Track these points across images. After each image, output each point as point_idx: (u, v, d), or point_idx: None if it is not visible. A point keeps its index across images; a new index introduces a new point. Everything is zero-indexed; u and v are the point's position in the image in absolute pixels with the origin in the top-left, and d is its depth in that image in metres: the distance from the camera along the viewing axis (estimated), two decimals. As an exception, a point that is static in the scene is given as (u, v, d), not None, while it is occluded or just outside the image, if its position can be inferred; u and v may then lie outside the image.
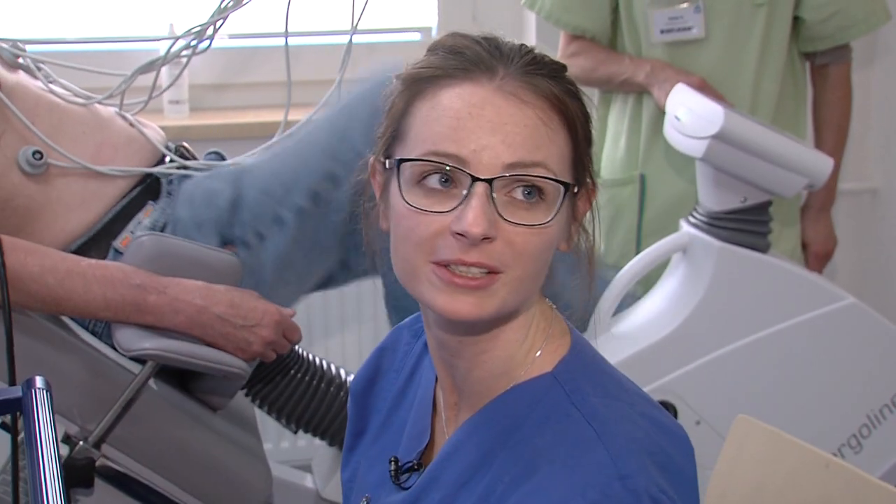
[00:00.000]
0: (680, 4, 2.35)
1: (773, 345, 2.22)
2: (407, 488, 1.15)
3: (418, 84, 1.06)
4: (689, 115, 2.18)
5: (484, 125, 1.02)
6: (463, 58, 1.05)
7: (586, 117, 1.08)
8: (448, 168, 1.01)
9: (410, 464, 1.16)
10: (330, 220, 1.88)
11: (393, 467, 1.17)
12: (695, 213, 2.28)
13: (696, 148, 2.15)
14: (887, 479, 1.74)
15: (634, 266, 2.25)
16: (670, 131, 2.25)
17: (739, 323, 2.22)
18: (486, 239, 1.01)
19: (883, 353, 2.25)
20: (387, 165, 1.07)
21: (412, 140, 1.05)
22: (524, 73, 1.04)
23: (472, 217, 1.00)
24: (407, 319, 1.28)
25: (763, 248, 2.23)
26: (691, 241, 2.26)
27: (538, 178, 1.02)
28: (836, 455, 2.08)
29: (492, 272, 1.02)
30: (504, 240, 1.01)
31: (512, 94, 1.03)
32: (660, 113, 2.37)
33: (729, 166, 2.14)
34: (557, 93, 1.05)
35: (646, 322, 2.27)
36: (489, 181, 1.01)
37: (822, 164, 2.16)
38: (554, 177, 1.03)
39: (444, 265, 1.02)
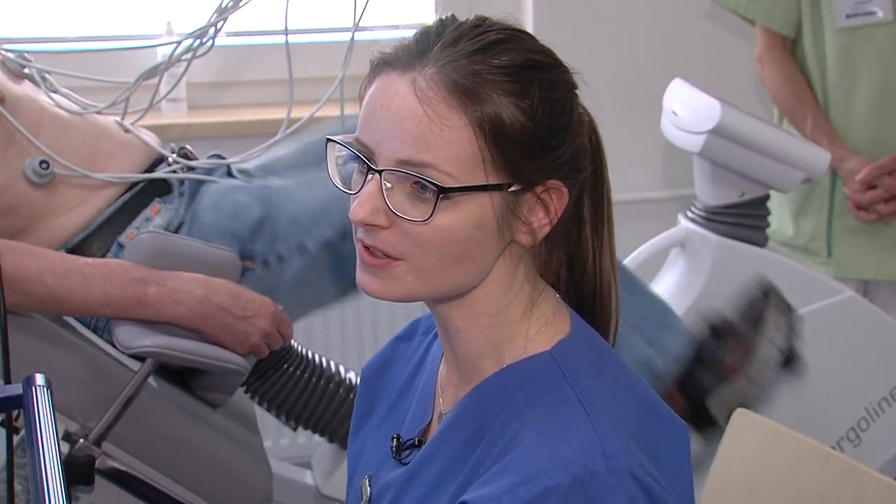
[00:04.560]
0: None
1: (772, 339, 2.22)
2: (406, 464, 1.17)
3: (372, 71, 1.10)
4: (686, 109, 2.19)
5: (388, 118, 1.05)
6: (404, 47, 1.08)
7: (527, 115, 1.05)
8: (363, 157, 1.07)
9: (411, 441, 1.19)
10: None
11: (394, 444, 1.20)
12: (693, 208, 2.28)
13: (693, 143, 2.16)
14: (885, 472, 1.74)
15: (632, 261, 2.26)
16: (668, 126, 2.25)
17: (738, 317, 2.22)
18: (376, 226, 1.06)
19: (881, 346, 2.26)
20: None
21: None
22: (441, 66, 1.04)
23: (357, 204, 1.06)
24: (426, 314, 1.29)
25: (761, 243, 2.24)
26: (689, 235, 2.27)
27: (420, 178, 1.04)
28: (834, 448, 2.08)
29: (389, 257, 1.07)
30: (401, 230, 1.06)
31: (417, 87, 1.04)
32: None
33: (726, 161, 2.15)
34: (468, 88, 1.03)
35: (644, 317, 2.28)
36: (379, 172, 1.05)
37: (818, 158, 2.17)
38: (440, 180, 1.03)
39: (360, 242, 1.09)
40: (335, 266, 1.93)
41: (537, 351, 1.11)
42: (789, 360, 2.01)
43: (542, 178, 1.07)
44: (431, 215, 1.04)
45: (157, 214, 1.89)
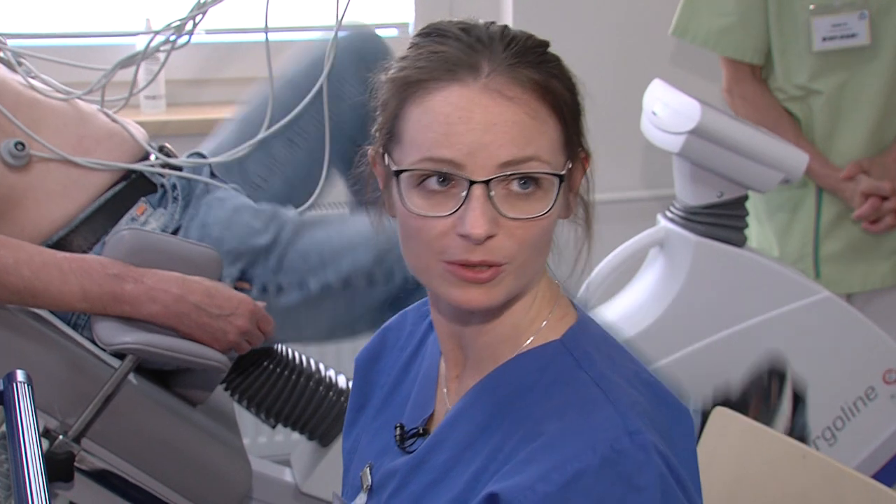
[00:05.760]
0: (844, 11, 2.28)
1: (750, 338, 2.24)
2: (411, 452, 1.18)
3: (407, 88, 1.08)
4: (666, 110, 2.19)
5: (474, 127, 1.04)
6: (446, 58, 1.07)
7: (573, 92, 1.11)
8: (444, 172, 1.05)
9: (416, 429, 1.19)
10: (352, 308, 1.94)
11: (398, 433, 1.20)
12: (672, 208, 2.29)
13: (673, 143, 2.17)
14: (861, 471, 1.75)
15: (612, 261, 2.26)
16: (647, 127, 2.26)
17: (716, 317, 2.23)
18: (489, 236, 1.05)
19: (857, 345, 2.27)
20: (386, 163, 1.11)
21: (408, 144, 1.08)
22: (508, 67, 1.07)
23: (473, 219, 1.04)
24: (413, 304, 1.31)
25: (739, 243, 2.25)
26: (668, 235, 2.28)
27: (532, 173, 1.05)
28: (810, 448, 2.09)
29: (495, 265, 1.06)
30: (506, 233, 1.06)
31: (498, 92, 1.05)
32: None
33: (706, 161, 2.16)
34: (542, 81, 1.07)
35: (623, 316, 2.29)
36: (486, 182, 1.04)
37: (797, 159, 2.18)
38: (547, 169, 1.06)
39: (454, 263, 1.07)
40: (327, 312, 1.95)
41: (548, 338, 1.13)
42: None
43: (582, 144, 1.12)
44: (553, 205, 1.06)
45: (145, 215, 1.89)
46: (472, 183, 1.04)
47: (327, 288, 1.92)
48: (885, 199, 2.32)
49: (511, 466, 1.06)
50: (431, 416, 1.20)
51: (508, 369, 1.13)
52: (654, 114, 2.22)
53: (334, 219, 2.02)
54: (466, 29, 1.10)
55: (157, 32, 2.01)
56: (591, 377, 1.09)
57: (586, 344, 1.13)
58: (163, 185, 1.93)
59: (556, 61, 1.10)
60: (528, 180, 1.05)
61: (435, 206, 1.06)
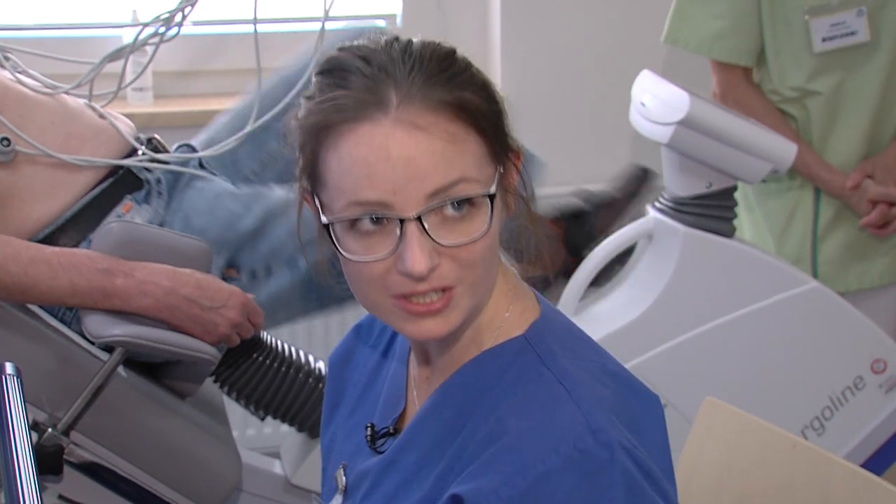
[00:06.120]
0: (841, 10, 2.26)
1: (738, 328, 2.24)
2: (382, 452, 1.17)
3: (318, 134, 1.06)
4: (655, 101, 2.19)
5: (394, 164, 1.02)
6: (351, 97, 1.04)
7: (489, 99, 1.07)
8: (374, 215, 1.03)
9: (386, 429, 1.19)
10: (337, 285, 1.91)
11: (369, 433, 1.20)
12: (661, 199, 2.29)
13: (662, 134, 2.17)
14: (850, 461, 1.76)
15: (600, 252, 2.27)
16: (636, 117, 2.26)
17: (705, 307, 2.24)
18: (432, 269, 1.03)
19: (845, 336, 2.28)
20: (316, 205, 1.08)
21: (332, 190, 1.05)
22: (417, 92, 1.03)
23: (412, 257, 1.02)
24: None
25: (728, 233, 2.25)
26: (657, 226, 2.28)
27: (462, 196, 1.03)
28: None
29: (446, 289, 1.05)
30: (449, 258, 1.04)
31: (410, 123, 1.02)
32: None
33: (694, 152, 2.16)
34: (453, 100, 1.04)
35: (612, 307, 2.29)
36: (417, 218, 1.02)
37: (785, 149, 2.18)
38: (477, 189, 1.04)
39: (402, 296, 1.05)
40: (316, 293, 1.93)
41: (511, 334, 1.12)
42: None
43: (509, 146, 1.10)
44: (491, 222, 1.04)
45: (131, 213, 1.88)
46: (403, 221, 1.02)
47: (316, 265, 1.89)
48: (892, 204, 2.31)
49: (475, 467, 1.05)
50: (402, 415, 1.19)
51: (472, 368, 1.12)
52: (642, 104, 2.22)
53: None
54: (366, 58, 1.06)
55: (145, 25, 2.00)
56: (553, 374, 1.08)
57: (550, 339, 1.11)
58: (148, 181, 1.92)
59: (465, 71, 1.07)
60: (462, 202, 1.03)
61: (371, 248, 1.04)
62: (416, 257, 1.02)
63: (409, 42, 1.08)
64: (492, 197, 1.05)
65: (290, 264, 1.90)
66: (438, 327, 1.06)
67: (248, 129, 2.03)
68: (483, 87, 1.07)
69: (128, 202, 1.89)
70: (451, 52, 1.08)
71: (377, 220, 1.04)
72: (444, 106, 1.03)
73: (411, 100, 1.03)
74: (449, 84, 1.05)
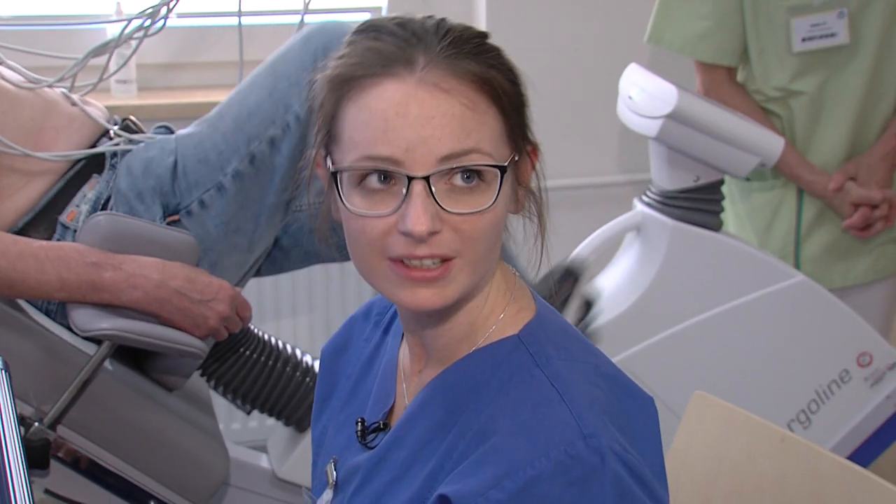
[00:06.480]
0: (822, 10, 2.26)
1: (726, 322, 2.25)
2: (373, 447, 1.17)
3: (342, 86, 1.07)
4: (643, 94, 2.20)
5: (412, 122, 1.02)
6: (380, 53, 1.05)
7: (514, 83, 1.09)
8: (383, 170, 1.03)
9: (376, 424, 1.18)
10: (272, 182, 1.87)
11: (359, 428, 1.19)
12: (648, 192, 2.30)
13: (649, 127, 2.17)
14: (836, 454, 1.76)
15: (588, 245, 2.27)
16: (624, 111, 2.26)
17: (692, 300, 2.24)
18: (433, 233, 1.03)
19: (831, 329, 2.29)
20: (327, 164, 1.09)
21: (346, 144, 1.06)
22: (444, 59, 1.04)
23: (414, 216, 1.02)
24: (379, 295, 1.29)
25: (715, 227, 2.26)
26: (645, 219, 2.28)
27: (473, 165, 1.04)
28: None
29: (445, 260, 1.05)
30: (451, 228, 1.04)
31: (434, 85, 1.03)
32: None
33: (682, 145, 2.16)
34: (480, 72, 1.05)
35: (600, 300, 2.29)
36: (426, 178, 1.02)
37: (773, 143, 2.19)
38: (489, 161, 1.04)
39: (399, 261, 1.05)
40: (252, 200, 1.87)
41: (505, 333, 1.12)
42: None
43: (527, 140, 1.10)
44: (497, 198, 1.04)
45: (92, 189, 1.86)
46: (411, 179, 1.02)
47: (239, 175, 1.85)
48: (874, 207, 2.32)
49: (464, 467, 1.04)
50: (391, 410, 1.19)
51: (464, 365, 1.12)
52: (630, 98, 2.22)
53: (209, 116, 1.96)
54: (402, 24, 1.08)
55: (131, 18, 1.99)
56: (546, 375, 1.07)
57: (544, 340, 1.11)
58: (108, 156, 1.89)
59: (495, 51, 1.08)
60: (471, 173, 1.03)
61: (376, 205, 1.04)
62: (419, 216, 1.02)
63: (444, 19, 1.09)
64: (503, 171, 1.05)
65: (218, 188, 1.85)
66: (433, 298, 1.05)
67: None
68: (510, 70, 1.08)
69: (94, 179, 1.87)
70: (483, 34, 1.09)
71: (385, 179, 1.04)
72: (468, 74, 1.05)
73: (437, 64, 1.04)
74: (476, 57, 1.06)
